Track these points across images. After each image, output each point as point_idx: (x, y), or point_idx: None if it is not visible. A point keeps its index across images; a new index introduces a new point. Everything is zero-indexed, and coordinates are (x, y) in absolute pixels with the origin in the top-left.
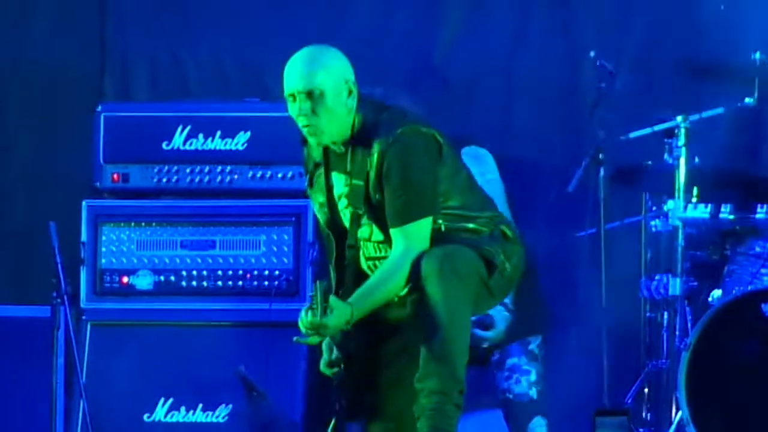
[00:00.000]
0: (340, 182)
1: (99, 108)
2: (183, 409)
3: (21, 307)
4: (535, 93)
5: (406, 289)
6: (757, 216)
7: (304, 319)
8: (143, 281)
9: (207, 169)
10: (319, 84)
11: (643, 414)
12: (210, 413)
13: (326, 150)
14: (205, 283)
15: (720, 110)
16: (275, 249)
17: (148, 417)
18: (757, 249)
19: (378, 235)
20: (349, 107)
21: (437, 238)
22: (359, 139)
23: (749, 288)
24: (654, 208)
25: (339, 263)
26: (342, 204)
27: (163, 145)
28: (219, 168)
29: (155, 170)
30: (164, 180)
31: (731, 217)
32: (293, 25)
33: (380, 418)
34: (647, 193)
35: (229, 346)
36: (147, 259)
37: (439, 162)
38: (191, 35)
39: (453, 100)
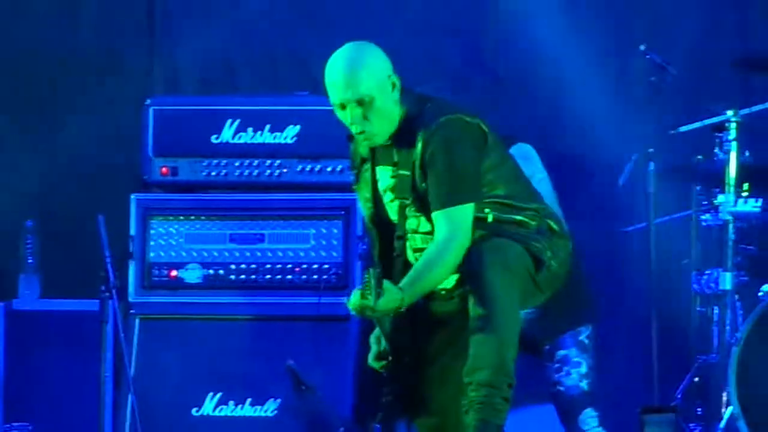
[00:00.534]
0: (386, 175)
1: (148, 101)
2: (231, 403)
3: (70, 301)
4: (585, 87)
5: (453, 281)
6: None
7: (354, 301)
8: (192, 275)
9: (256, 162)
10: (367, 90)
11: (694, 409)
12: (259, 407)
13: None
14: (254, 277)
15: None
16: (324, 243)
17: (197, 411)
18: None
19: (425, 226)
20: (395, 100)
21: (485, 229)
22: (404, 130)
23: None
24: (704, 203)
25: (386, 255)
26: (387, 197)
27: (212, 139)
28: (268, 162)
29: (204, 164)
30: (213, 173)
31: None
32: (345, 16)
33: (426, 412)
34: (698, 188)
35: (278, 340)
36: (196, 253)
37: (483, 151)
38: (241, 27)
39: (504, 96)
